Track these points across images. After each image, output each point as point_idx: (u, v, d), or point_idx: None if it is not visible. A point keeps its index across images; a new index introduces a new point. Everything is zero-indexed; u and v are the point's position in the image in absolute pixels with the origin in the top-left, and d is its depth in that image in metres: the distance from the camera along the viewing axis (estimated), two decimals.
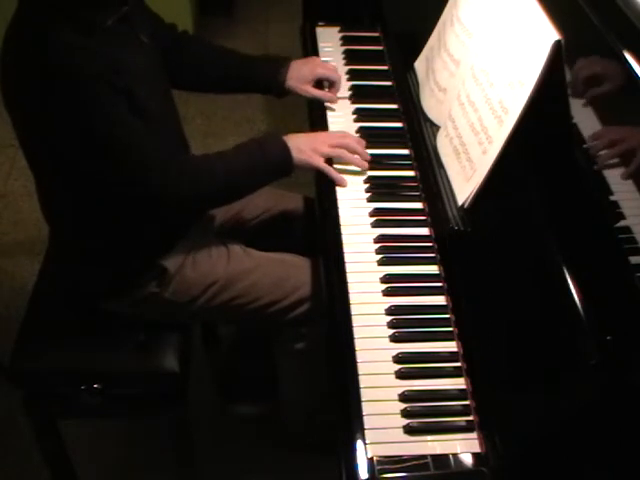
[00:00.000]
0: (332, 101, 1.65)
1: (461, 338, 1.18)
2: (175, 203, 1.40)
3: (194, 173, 1.39)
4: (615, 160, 1.12)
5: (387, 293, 1.26)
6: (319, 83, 1.68)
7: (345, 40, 1.85)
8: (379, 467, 1.02)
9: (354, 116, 1.63)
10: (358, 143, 1.49)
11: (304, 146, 1.44)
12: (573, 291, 1.05)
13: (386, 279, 1.28)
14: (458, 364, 1.16)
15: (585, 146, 1.17)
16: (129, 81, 1.28)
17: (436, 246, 1.33)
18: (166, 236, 1.50)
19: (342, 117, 1.63)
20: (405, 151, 1.54)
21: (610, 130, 1.16)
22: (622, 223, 1.09)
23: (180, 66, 1.60)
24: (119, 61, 1.28)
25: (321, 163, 1.44)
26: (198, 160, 1.44)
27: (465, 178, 1.31)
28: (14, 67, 1.28)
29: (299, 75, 1.63)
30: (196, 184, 1.39)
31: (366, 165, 1.48)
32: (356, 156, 1.48)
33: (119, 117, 1.27)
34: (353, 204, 1.43)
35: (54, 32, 1.22)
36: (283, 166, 1.43)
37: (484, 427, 1.06)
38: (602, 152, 1.15)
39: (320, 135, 1.52)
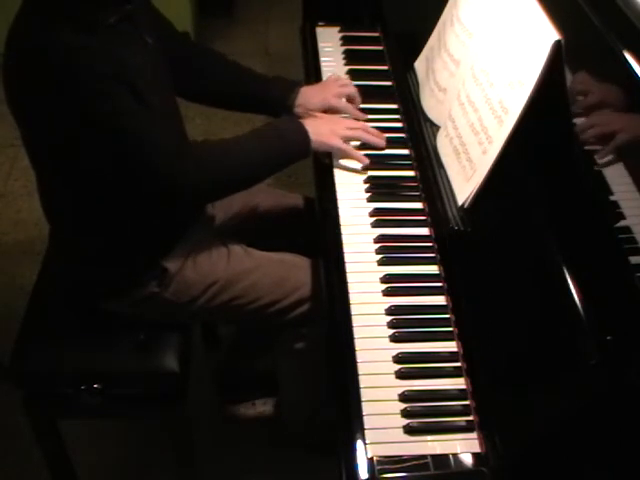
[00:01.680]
0: None
1: (461, 338, 1.18)
2: (190, 190, 1.37)
3: (209, 159, 1.38)
4: (595, 141, 1.13)
5: (387, 293, 1.26)
6: None
7: (345, 40, 1.85)
8: (379, 467, 1.02)
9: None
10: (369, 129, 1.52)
11: (323, 129, 1.45)
12: (573, 291, 1.05)
13: (386, 279, 1.28)
14: (458, 364, 1.16)
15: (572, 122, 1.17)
16: (133, 80, 1.27)
17: (436, 246, 1.33)
18: (167, 236, 1.50)
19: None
20: (405, 151, 1.53)
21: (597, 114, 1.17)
22: (622, 223, 1.09)
23: (188, 77, 1.58)
24: (121, 59, 1.27)
25: (341, 143, 1.46)
26: (213, 146, 1.43)
27: (465, 178, 1.31)
28: (16, 67, 1.28)
29: (308, 103, 1.59)
30: (211, 171, 1.37)
31: (384, 144, 1.50)
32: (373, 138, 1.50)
33: (125, 110, 1.26)
34: (353, 204, 1.43)
35: (55, 32, 1.22)
36: (301, 150, 1.44)
37: (484, 427, 1.06)
38: (586, 132, 1.15)
39: (337, 117, 1.54)
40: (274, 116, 1.65)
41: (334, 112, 1.59)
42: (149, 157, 1.30)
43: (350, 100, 1.62)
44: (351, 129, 1.49)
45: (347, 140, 1.48)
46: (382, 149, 1.51)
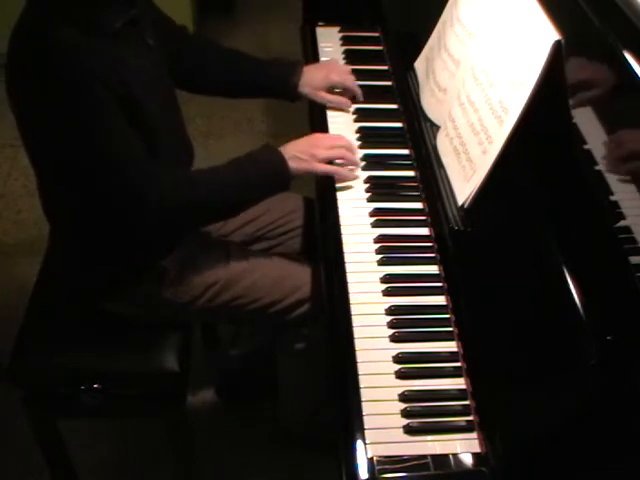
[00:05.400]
0: (347, 106, 1.63)
1: (461, 338, 1.18)
2: (165, 223, 1.36)
3: (186, 193, 1.35)
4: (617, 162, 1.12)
5: (387, 293, 1.26)
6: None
7: (345, 40, 1.85)
8: (379, 467, 1.02)
9: (354, 116, 1.63)
10: (351, 146, 1.49)
11: (302, 154, 1.41)
12: (573, 291, 1.05)
13: (386, 279, 1.28)
14: (458, 364, 1.16)
15: (587, 147, 1.17)
16: (131, 84, 1.27)
17: (436, 246, 1.33)
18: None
19: (342, 117, 1.63)
20: (405, 151, 1.54)
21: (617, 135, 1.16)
22: (622, 223, 1.09)
23: (191, 69, 1.59)
24: (122, 63, 1.27)
25: (323, 167, 1.42)
26: (190, 178, 1.40)
27: (465, 178, 1.31)
28: (17, 67, 1.28)
29: (312, 81, 1.62)
30: (188, 204, 1.35)
31: (359, 165, 1.48)
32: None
33: (116, 126, 1.26)
34: (353, 204, 1.43)
35: (55, 32, 1.22)
36: (280, 178, 1.40)
37: (484, 427, 1.06)
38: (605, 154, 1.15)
39: (316, 138, 1.48)
40: (280, 98, 1.67)
41: (336, 95, 1.63)
42: (127, 180, 1.28)
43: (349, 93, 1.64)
44: (332, 148, 1.45)
45: (329, 161, 1.44)
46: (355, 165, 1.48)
